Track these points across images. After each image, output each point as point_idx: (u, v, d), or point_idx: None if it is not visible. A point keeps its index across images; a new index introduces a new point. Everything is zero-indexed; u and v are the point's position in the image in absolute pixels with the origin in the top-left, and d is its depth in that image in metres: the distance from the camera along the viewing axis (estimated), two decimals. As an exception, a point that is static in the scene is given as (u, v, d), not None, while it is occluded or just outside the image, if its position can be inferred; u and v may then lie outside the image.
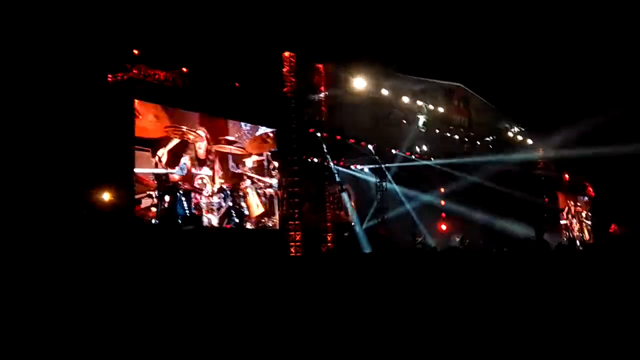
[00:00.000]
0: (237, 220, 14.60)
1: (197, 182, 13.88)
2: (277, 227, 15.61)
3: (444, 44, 19.06)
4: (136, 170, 12.65)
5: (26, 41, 11.44)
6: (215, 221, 14.07)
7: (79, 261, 10.71)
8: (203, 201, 13.87)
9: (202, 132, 14.17)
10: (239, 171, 15.02)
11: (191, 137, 13.88)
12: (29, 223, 11.13)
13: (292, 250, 15.27)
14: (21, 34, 11.35)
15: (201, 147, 14.13)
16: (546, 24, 20.25)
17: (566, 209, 27.95)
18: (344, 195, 18.08)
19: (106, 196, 12.58)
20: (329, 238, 16.29)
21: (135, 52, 12.80)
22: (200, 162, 14.07)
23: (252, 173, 15.32)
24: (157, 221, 12.56)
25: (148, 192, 12.76)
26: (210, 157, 14.34)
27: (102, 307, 7.93)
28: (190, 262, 11.95)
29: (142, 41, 12.97)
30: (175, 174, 13.34)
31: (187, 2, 14.00)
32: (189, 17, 13.94)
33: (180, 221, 13.08)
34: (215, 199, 14.18)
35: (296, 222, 15.56)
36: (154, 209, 12.78)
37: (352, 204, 18.23)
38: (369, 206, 18.79)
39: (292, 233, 15.43)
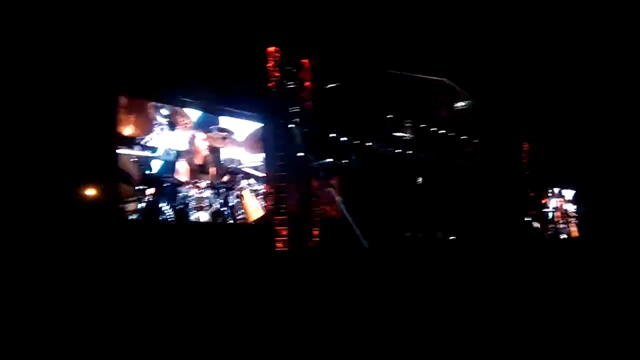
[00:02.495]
0: (231, 221, 13.52)
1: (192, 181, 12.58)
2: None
3: (429, 39, 19.14)
4: (120, 151, 11.50)
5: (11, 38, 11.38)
6: (208, 218, 13.05)
7: (63, 258, 10.70)
8: (194, 194, 12.56)
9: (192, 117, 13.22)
10: (234, 166, 14.14)
11: (179, 126, 12.90)
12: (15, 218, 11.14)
13: (279, 244, 15.25)
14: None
15: (201, 147, 13.02)
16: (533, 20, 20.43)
17: (551, 202, 28.23)
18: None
19: (90, 192, 12.49)
20: (315, 233, 16.30)
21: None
22: (199, 169, 13.01)
23: (250, 169, 14.34)
24: (139, 217, 11.40)
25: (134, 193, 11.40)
26: (209, 159, 13.46)
27: (88, 304, 7.92)
28: (176, 257, 11.96)
29: (128, 37, 12.88)
30: (160, 159, 11.93)
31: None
32: (172, 11, 13.92)
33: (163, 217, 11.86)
34: (206, 194, 12.86)
35: (282, 217, 15.54)
36: (133, 206, 11.37)
37: (339, 197, 18.24)
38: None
39: (278, 227, 15.41)
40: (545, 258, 18.96)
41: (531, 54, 21.05)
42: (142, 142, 11.78)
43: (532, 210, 25.60)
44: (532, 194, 25.96)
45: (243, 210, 13.95)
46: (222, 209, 13.08)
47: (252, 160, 14.77)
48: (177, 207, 11.82)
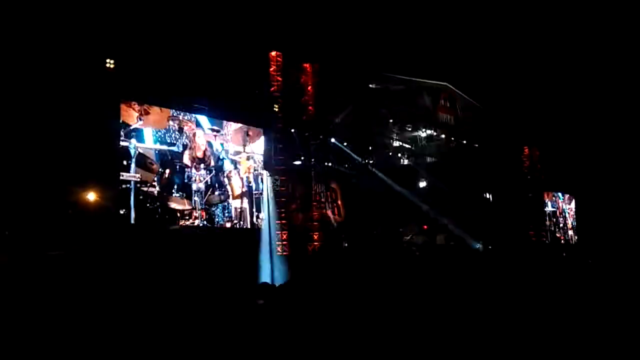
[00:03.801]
0: (218, 192, 16.07)
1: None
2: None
3: (430, 44, 19.19)
4: (141, 145, 14.10)
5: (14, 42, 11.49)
6: (202, 188, 15.68)
7: (64, 259, 10.83)
8: (194, 172, 15.63)
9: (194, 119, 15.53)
10: (223, 156, 16.35)
11: (186, 127, 15.22)
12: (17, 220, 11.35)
13: (279, 249, 15.32)
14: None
15: (200, 142, 15.54)
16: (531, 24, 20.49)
17: (551, 207, 28.23)
18: None
19: (91, 196, 12.70)
20: (315, 237, 16.35)
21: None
22: (199, 161, 15.62)
23: (234, 157, 16.65)
24: (158, 190, 14.38)
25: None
26: (207, 152, 15.86)
27: (90, 306, 8.00)
28: (178, 261, 12.18)
29: (129, 43, 12.99)
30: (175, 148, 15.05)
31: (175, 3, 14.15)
32: (175, 17, 14.03)
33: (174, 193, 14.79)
34: (202, 172, 15.94)
35: (282, 222, 15.61)
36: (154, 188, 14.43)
37: (339, 202, 18.31)
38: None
39: (279, 232, 15.48)
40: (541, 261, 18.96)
41: (532, 57, 21.16)
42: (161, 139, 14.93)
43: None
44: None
45: (230, 189, 16.42)
46: (214, 184, 16.19)
47: (236, 151, 16.66)
48: (184, 181, 15.35)
